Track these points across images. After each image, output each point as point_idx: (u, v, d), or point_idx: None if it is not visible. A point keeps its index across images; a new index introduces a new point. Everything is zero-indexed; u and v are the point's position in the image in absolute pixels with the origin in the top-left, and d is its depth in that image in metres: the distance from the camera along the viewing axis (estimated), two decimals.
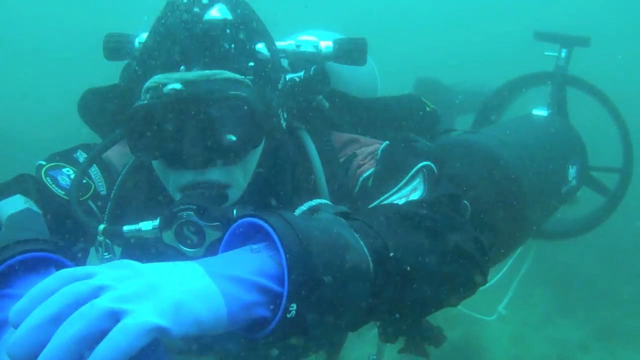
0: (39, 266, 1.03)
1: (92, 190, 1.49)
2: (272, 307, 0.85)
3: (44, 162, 1.51)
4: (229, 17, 1.25)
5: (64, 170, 1.50)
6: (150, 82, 1.22)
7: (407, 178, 1.31)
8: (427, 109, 1.70)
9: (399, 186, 1.30)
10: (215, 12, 1.24)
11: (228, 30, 1.23)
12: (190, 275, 0.79)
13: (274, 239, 0.85)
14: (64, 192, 1.43)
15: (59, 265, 1.05)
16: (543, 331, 5.60)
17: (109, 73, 1.58)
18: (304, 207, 1.17)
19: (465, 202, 1.32)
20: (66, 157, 1.55)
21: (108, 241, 1.33)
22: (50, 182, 1.46)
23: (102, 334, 0.69)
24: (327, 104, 1.53)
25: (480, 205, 1.72)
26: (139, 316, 0.70)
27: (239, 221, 0.93)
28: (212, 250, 1.19)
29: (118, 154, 1.53)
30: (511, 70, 2.69)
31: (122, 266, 0.78)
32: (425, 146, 1.42)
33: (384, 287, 0.96)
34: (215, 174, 1.25)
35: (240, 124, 1.22)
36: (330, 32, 1.94)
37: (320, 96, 1.51)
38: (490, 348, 5.14)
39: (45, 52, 13.53)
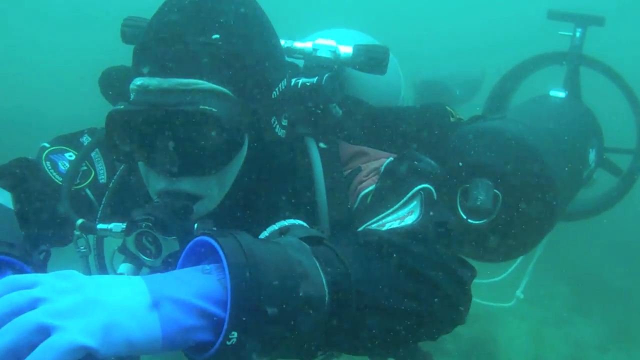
0: None
1: (91, 177, 1.50)
2: (214, 332, 0.83)
3: (47, 145, 1.52)
4: (225, 19, 1.23)
5: (66, 154, 1.51)
6: (132, 84, 1.22)
7: (404, 200, 1.27)
8: (452, 119, 1.65)
9: (394, 207, 1.27)
10: (207, 13, 1.22)
11: (217, 36, 1.20)
12: (131, 293, 0.79)
13: (223, 262, 0.84)
14: (60, 179, 1.44)
15: (16, 270, 1.08)
16: (560, 330, 5.54)
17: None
18: (275, 227, 1.14)
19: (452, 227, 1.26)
20: (71, 140, 1.55)
21: (84, 236, 1.35)
22: (49, 167, 1.46)
23: (30, 348, 0.70)
24: (339, 112, 1.48)
25: (511, 193, 1.77)
26: (67, 334, 0.71)
27: (196, 239, 0.92)
28: (170, 261, 1.21)
29: None
30: (519, 55, 2.70)
31: (65, 277, 0.78)
32: (428, 165, 1.38)
33: (340, 320, 0.94)
34: (186, 184, 1.23)
35: (210, 138, 1.20)
36: (355, 31, 1.90)
37: (333, 104, 1.47)
38: (507, 345, 5.11)
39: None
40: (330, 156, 1.44)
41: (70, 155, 1.50)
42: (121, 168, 1.50)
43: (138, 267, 1.52)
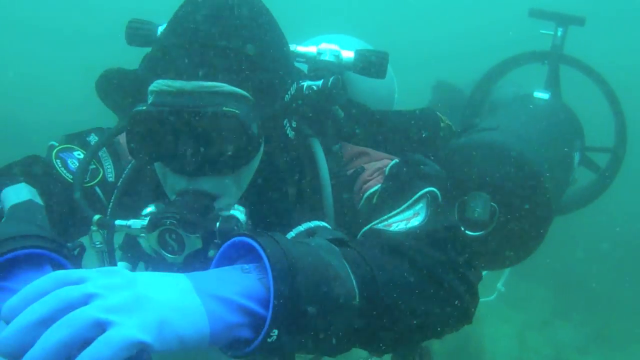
0: (35, 262, 1.05)
1: (100, 176, 1.51)
2: (254, 329, 0.87)
3: (56, 143, 1.52)
4: (241, 24, 1.26)
5: (75, 153, 1.52)
6: (153, 86, 1.24)
7: (410, 201, 1.31)
8: (442, 124, 1.70)
9: (401, 208, 1.30)
10: (225, 18, 1.25)
11: (233, 41, 1.24)
12: (179, 291, 0.82)
13: (265, 263, 0.87)
14: (71, 176, 1.45)
15: (55, 264, 1.07)
16: (542, 333, 5.61)
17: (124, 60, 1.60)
18: (301, 228, 1.17)
19: (464, 232, 1.33)
20: (79, 139, 1.56)
21: (101, 232, 1.36)
22: (60, 165, 1.47)
23: (86, 342, 0.71)
24: (342, 114, 1.53)
25: (508, 206, 1.84)
26: (124, 330, 0.72)
27: (235, 239, 0.94)
28: (192, 258, 1.24)
29: None
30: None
31: (114, 274, 0.80)
32: (434, 169, 1.41)
33: (368, 319, 0.97)
34: (206, 184, 1.27)
35: (231, 140, 1.23)
36: (351, 37, 1.95)
37: (336, 106, 1.51)
38: (490, 348, 5.16)
39: (61, 37, 13.75)
40: (334, 156, 1.49)
41: (79, 154, 1.51)
42: (129, 167, 1.52)
43: (134, 265, 1.55)
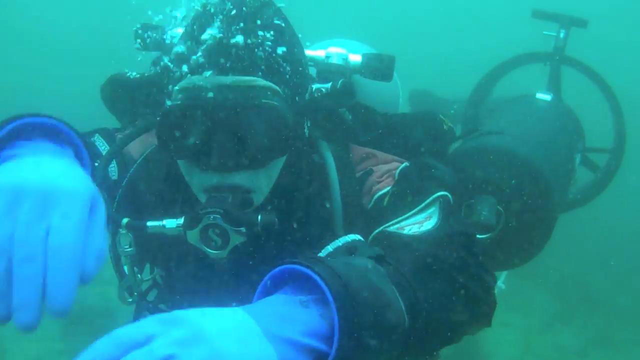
0: (55, 137, 1.09)
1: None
2: None
3: None
4: (266, 23, 1.28)
5: None
6: (185, 83, 1.24)
7: (423, 205, 1.32)
8: (445, 127, 1.73)
9: (413, 211, 1.31)
10: (251, 17, 1.26)
11: (263, 37, 1.25)
12: (250, 338, 0.79)
13: (329, 299, 0.85)
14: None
15: (75, 146, 1.12)
16: (544, 336, 5.63)
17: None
18: (339, 243, 1.16)
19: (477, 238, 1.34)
20: (83, 140, 1.56)
21: (130, 234, 1.34)
22: None
23: None
24: (349, 116, 1.55)
25: (513, 210, 1.86)
26: None
27: (284, 267, 0.92)
28: (235, 253, 1.26)
29: (135, 143, 1.51)
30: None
31: (178, 324, 0.75)
32: (445, 173, 1.43)
33: (412, 337, 0.99)
34: (240, 178, 1.27)
35: (269, 132, 1.25)
36: (357, 42, 1.97)
37: (344, 108, 1.53)
38: (492, 352, 5.17)
39: (57, 48, 13.84)
40: (342, 158, 1.50)
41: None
42: (134, 166, 1.51)
43: (140, 268, 1.55)
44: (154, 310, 1.62)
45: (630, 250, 6.45)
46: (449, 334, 1.09)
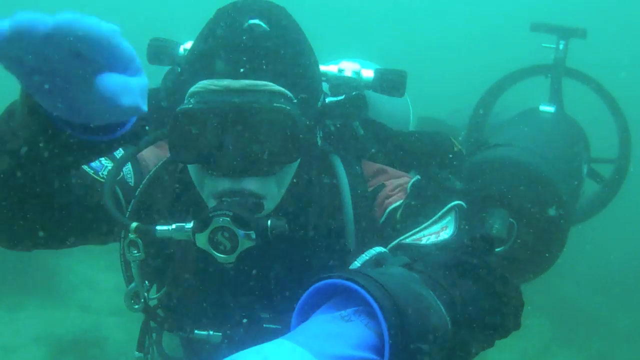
0: None
1: (120, 177, 1.48)
2: None
3: None
4: (278, 31, 1.29)
5: None
6: (195, 87, 1.24)
7: (438, 215, 1.32)
8: (455, 149, 1.74)
9: (429, 222, 1.31)
10: (265, 25, 1.27)
11: (276, 44, 1.26)
12: None
13: (374, 308, 0.84)
14: (92, 171, 1.42)
15: None
16: None
17: None
18: (365, 257, 1.16)
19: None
20: None
21: (139, 240, 1.34)
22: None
23: None
24: (361, 131, 1.56)
25: (526, 222, 1.86)
26: None
27: (324, 282, 0.91)
28: (242, 262, 1.25)
29: (151, 153, 1.53)
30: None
31: None
32: (457, 184, 1.46)
33: (455, 342, 0.98)
34: (251, 184, 1.27)
35: (281, 137, 1.25)
36: (368, 61, 1.98)
37: (357, 122, 1.55)
38: None
39: None
40: (354, 172, 1.50)
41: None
42: (151, 172, 1.50)
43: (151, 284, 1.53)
44: (159, 331, 1.62)
45: (630, 271, 6.43)
46: (485, 336, 1.07)
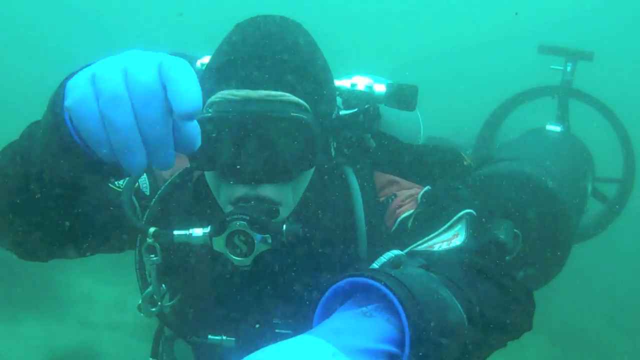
0: None
1: (136, 186, 1.51)
2: None
3: None
4: (295, 45, 1.32)
5: None
6: (215, 97, 1.27)
7: (449, 223, 1.35)
8: (465, 162, 1.77)
9: (440, 230, 1.34)
10: (282, 40, 1.31)
11: (292, 57, 1.30)
12: (326, 357, 0.80)
13: (394, 303, 0.87)
14: (109, 183, 1.44)
15: None
16: None
17: None
18: (383, 259, 1.18)
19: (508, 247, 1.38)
20: None
21: (157, 245, 1.37)
22: None
23: None
24: (373, 144, 1.60)
25: (531, 233, 1.89)
26: None
27: (346, 280, 0.93)
28: (257, 265, 1.28)
29: None
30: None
31: None
32: (467, 193, 1.47)
33: (471, 341, 1.00)
34: (267, 191, 1.30)
35: (297, 145, 1.29)
36: (378, 76, 2.01)
37: (368, 135, 1.59)
38: None
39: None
40: (366, 183, 1.53)
41: None
42: (167, 182, 1.52)
43: (172, 294, 1.56)
44: (172, 339, 1.66)
45: (632, 293, 6.44)
46: (499, 336, 1.10)
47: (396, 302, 0.86)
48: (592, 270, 5.98)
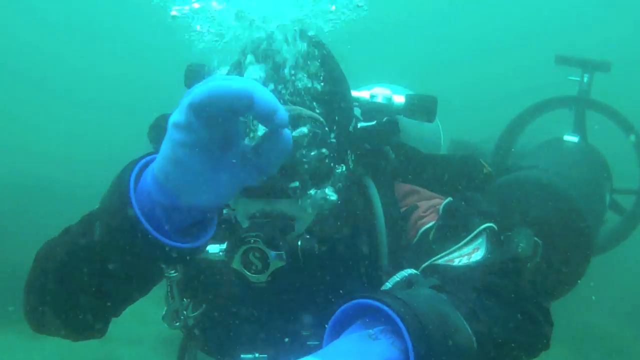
0: None
1: None
2: None
3: None
4: (309, 55, 1.33)
5: None
6: None
7: (470, 237, 1.35)
8: (484, 171, 1.78)
9: (461, 244, 1.35)
10: (294, 48, 1.31)
11: (310, 71, 1.31)
12: None
13: (399, 326, 0.88)
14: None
15: None
16: None
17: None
18: (396, 278, 1.19)
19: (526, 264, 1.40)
20: None
21: None
22: None
23: None
24: (392, 155, 1.60)
25: (551, 241, 1.90)
26: None
27: (354, 302, 0.95)
28: (273, 282, 1.27)
29: None
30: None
31: None
32: (488, 206, 1.47)
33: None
34: (283, 206, 1.31)
35: (312, 160, 1.29)
36: (398, 86, 2.03)
37: (388, 146, 1.59)
38: None
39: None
40: (387, 194, 1.53)
41: None
42: None
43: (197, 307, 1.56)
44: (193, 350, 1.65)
45: None
46: (514, 356, 1.10)
47: (401, 325, 0.88)
48: (612, 274, 5.90)
